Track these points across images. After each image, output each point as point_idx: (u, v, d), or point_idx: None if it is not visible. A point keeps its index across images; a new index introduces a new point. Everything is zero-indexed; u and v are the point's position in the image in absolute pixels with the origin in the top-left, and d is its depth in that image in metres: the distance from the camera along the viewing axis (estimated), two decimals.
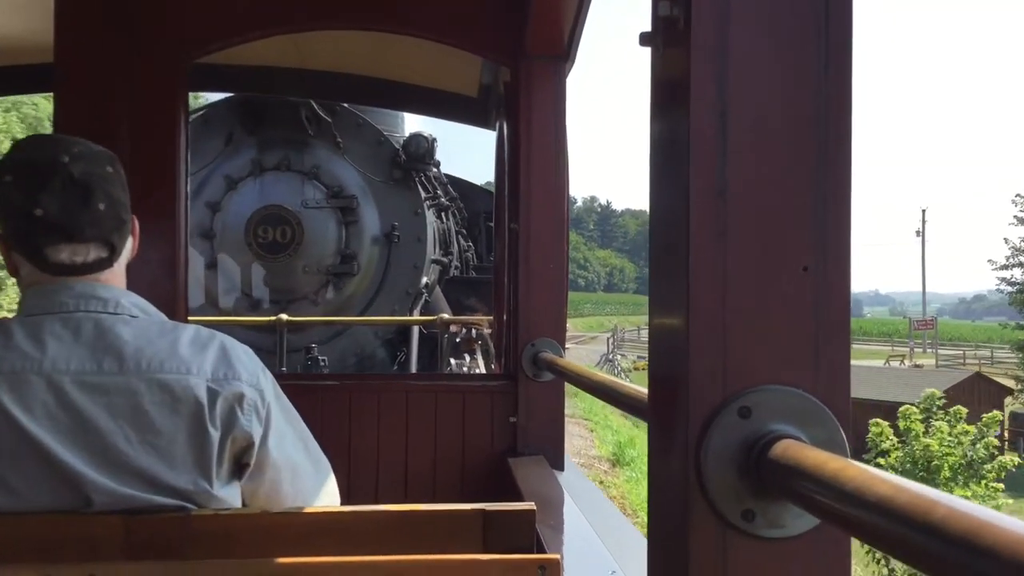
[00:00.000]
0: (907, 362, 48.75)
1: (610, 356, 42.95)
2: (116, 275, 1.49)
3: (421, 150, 7.85)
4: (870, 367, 34.17)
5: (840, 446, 0.85)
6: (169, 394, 1.36)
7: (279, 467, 1.50)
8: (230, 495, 1.43)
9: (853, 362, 0.94)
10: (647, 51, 1.04)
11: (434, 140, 8.10)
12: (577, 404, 19.34)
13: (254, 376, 1.46)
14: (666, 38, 0.98)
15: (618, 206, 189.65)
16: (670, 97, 0.98)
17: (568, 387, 2.97)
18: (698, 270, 0.89)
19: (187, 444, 1.36)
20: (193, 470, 1.36)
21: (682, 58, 0.92)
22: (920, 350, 61.12)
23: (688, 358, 0.89)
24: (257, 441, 1.44)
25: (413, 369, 7.31)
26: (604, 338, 61.55)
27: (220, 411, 1.39)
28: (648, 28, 1.05)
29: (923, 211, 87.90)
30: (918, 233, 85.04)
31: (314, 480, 1.58)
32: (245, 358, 1.48)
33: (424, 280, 7.87)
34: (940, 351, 61.15)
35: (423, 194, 8.05)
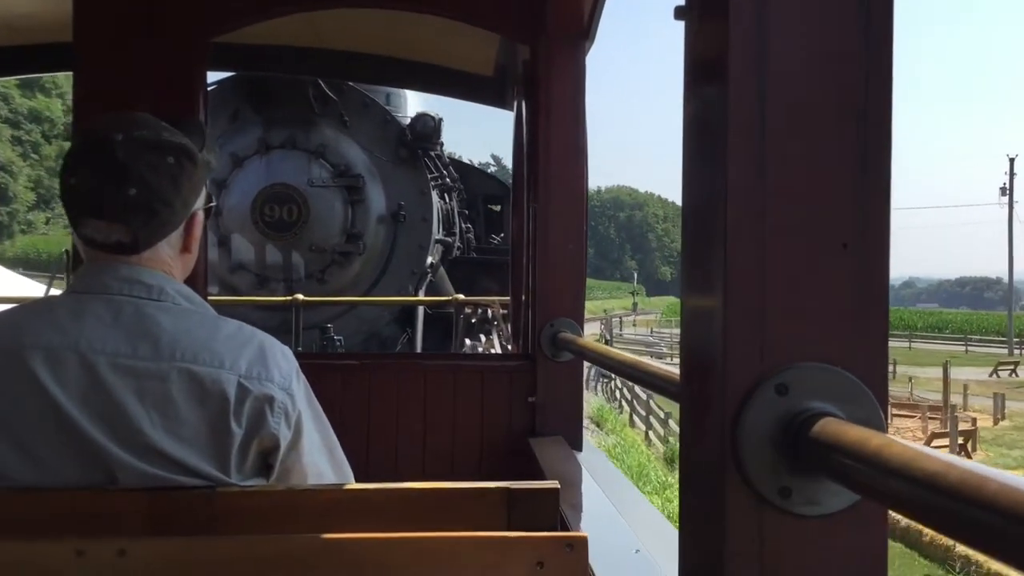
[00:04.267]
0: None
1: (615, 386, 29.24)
2: (156, 260, 1.46)
3: (428, 129, 7.85)
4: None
5: (878, 424, 0.84)
6: (198, 385, 1.36)
7: (305, 474, 1.50)
8: None
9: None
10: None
11: (440, 120, 8.09)
12: None
13: (287, 380, 1.45)
14: (703, 11, 0.97)
15: None
16: (706, 75, 0.97)
17: None
18: (735, 248, 0.89)
19: (209, 437, 1.36)
20: (213, 464, 1.36)
21: (720, 33, 0.91)
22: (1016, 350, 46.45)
23: (724, 335, 0.88)
24: (284, 446, 1.43)
25: (418, 348, 7.32)
26: None
27: (248, 410, 1.38)
28: (682, 1, 1.04)
29: (1011, 160, 64.10)
30: (1003, 191, 63.67)
31: None
32: (282, 361, 1.46)
33: (429, 260, 7.87)
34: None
35: (428, 174, 8.05)
